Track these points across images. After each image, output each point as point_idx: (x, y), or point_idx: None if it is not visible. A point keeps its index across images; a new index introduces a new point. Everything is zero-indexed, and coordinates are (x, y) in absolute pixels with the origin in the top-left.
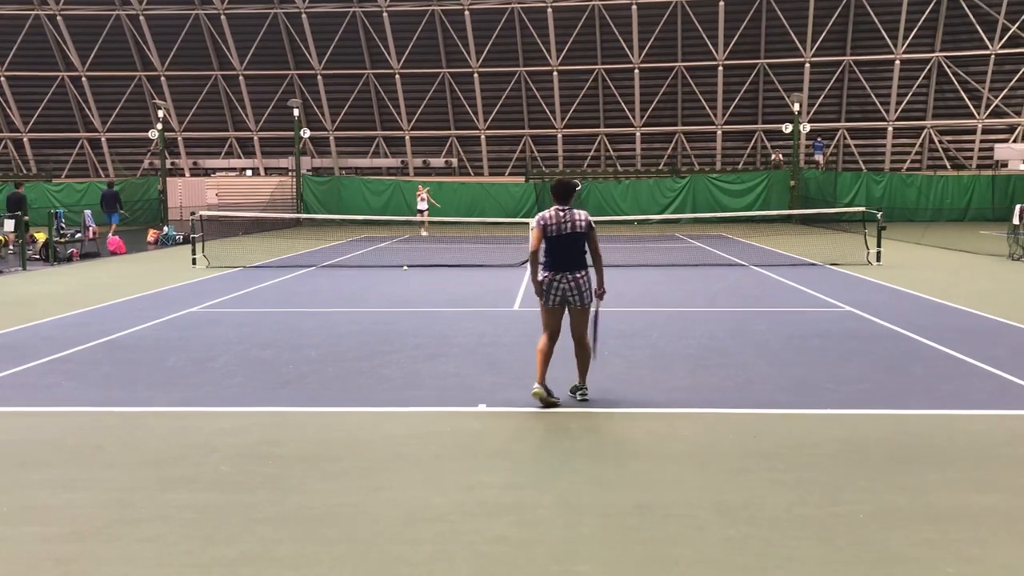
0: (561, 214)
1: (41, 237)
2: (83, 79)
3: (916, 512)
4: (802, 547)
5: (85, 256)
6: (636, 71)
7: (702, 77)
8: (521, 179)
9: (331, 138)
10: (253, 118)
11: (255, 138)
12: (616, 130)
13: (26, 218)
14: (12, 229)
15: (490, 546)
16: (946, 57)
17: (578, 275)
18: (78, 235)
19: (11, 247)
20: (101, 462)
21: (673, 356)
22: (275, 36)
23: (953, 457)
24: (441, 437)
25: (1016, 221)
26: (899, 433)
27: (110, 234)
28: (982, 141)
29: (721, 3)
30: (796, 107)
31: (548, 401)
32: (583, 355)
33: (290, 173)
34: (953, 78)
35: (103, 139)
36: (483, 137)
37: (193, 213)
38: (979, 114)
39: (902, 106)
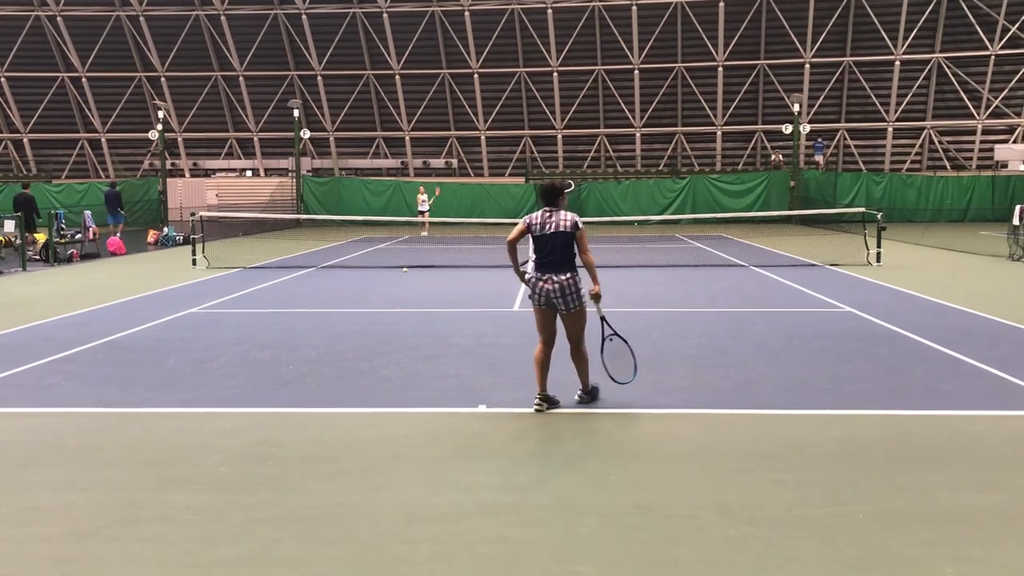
0: (547, 214)
1: (41, 238)
2: (83, 80)
3: (916, 512)
4: (802, 547)
5: (85, 257)
6: (636, 72)
7: (702, 78)
8: (521, 180)
9: (331, 139)
10: (253, 119)
11: (255, 139)
12: (616, 131)
13: (39, 219)
14: (12, 229)
15: (489, 546)
16: (946, 58)
17: (562, 277)
18: (78, 236)
19: (14, 246)
20: (101, 463)
21: (673, 356)
22: (275, 37)
23: (953, 457)
24: (440, 438)
25: (1016, 222)
26: (899, 433)
27: (118, 234)
28: (982, 142)
29: (721, 4)
30: (796, 108)
31: (551, 405)
32: (577, 359)
33: (290, 174)
34: (953, 79)
35: (103, 140)
36: (483, 138)
37: (193, 214)
38: (979, 115)
39: (902, 107)
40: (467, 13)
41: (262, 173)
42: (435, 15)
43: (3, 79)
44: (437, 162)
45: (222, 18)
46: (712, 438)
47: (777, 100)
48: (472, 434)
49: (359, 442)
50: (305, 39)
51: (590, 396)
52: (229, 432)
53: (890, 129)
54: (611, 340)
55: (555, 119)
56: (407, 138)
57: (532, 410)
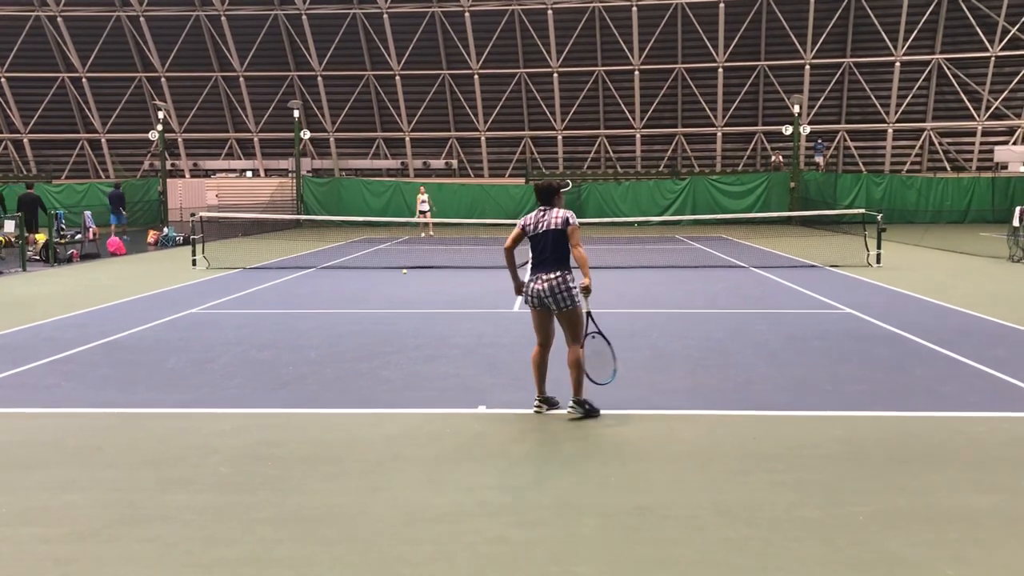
0: (541, 214)
1: (41, 238)
2: (83, 80)
3: (916, 513)
4: (802, 548)
5: (85, 257)
6: (636, 73)
7: (702, 79)
8: (521, 181)
9: (331, 139)
10: (253, 119)
11: (255, 139)
12: (616, 132)
13: (52, 211)
14: (13, 229)
15: (490, 546)
16: (946, 59)
17: (551, 276)
18: (78, 236)
19: (15, 246)
20: (101, 463)
21: (673, 357)
22: (275, 37)
23: (953, 458)
24: (441, 438)
25: (1016, 223)
26: (899, 434)
27: (122, 235)
28: (982, 143)
29: (721, 5)
30: (796, 109)
31: (551, 406)
32: (570, 363)
33: (290, 174)
34: (953, 80)
35: (103, 140)
36: (483, 139)
37: (193, 214)
38: (979, 116)
39: (902, 108)
40: (467, 14)
41: (262, 174)
42: (435, 16)
43: (3, 79)
44: (437, 163)
45: (222, 18)
46: (712, 439)
47: (777, 101)
48: (472, 435)
49: (359, 442)
50: (305, 40)
51: (582, 409)
52: (229, 432)
53: (890, 130)
54: (593, 338)
55: (555, 120)
56: (407, 139)
57: (532, 411)
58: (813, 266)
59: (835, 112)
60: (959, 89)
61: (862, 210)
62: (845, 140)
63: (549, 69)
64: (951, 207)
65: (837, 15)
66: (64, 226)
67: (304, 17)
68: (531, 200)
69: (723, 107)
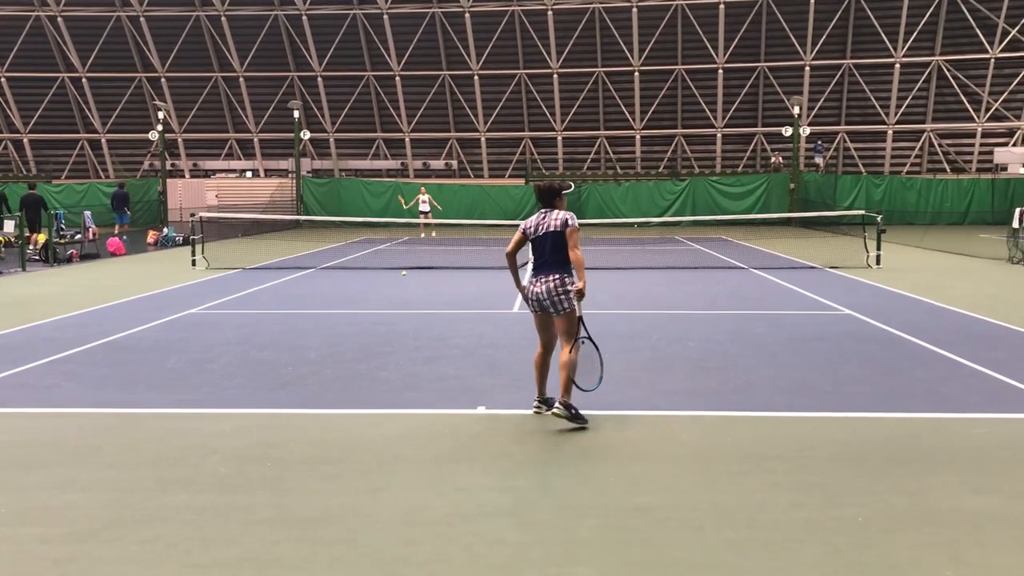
0: (541, 216)
1: (41, 238)
2: (83, 80)
3: (915, 515)
4: (801, 550)
5: (85, 257)
6: (636, 74)
7: (702, 80)
8: (521, 181)
9: (331, 140)
10: (253, 120)
11: (255, 140)
12: (616, 133)
13: (52, 211)
14: (12, 229)
15: (489, 548)
16: (946, 61)
17: (548, 278)
18: (78, 236)
19: (15, 245)
20: (100, 463)
21: (673, 358)
22: (275, 38)
23: (952, 460)
24: (440, 439)
25: (1016, 224)
26: (898, 436)
27: (123, 235)
28: (982, 145)
29: (721, 6)
30: (796, 110)
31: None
32: (561, 364)
33: (290, 175)
34: (953, 81)
35: (103, 140)
36: (483, 139)
37: (193, 214)
38: (979, 118)
39: (902, 109)
40: (467, 15)
41: (262, 174)
42: (435, 16)
43: (3, 79)
44: (437, 163)
45: (222, 19)
46: (711, 440)
47: (777, 102)
48: (472, 436)
49: (359, 443)
50: (305, 40)
51: (568, 412)
52: (229, 432)
53: (890, 132)
54: (583, 343)
55: (555, 121)
56: (407, 139)
57: (531, 412)
58: (813, 267)
59: (835, 113)
60: (959, 91)
61: (862, 211)
62: (845, 141)
63: (549, 70)
64: (951, 208)
65: (837, 16)
66: (64, 226)
67: (304, 17)
68: (531, 201)
69: (723, 108)
